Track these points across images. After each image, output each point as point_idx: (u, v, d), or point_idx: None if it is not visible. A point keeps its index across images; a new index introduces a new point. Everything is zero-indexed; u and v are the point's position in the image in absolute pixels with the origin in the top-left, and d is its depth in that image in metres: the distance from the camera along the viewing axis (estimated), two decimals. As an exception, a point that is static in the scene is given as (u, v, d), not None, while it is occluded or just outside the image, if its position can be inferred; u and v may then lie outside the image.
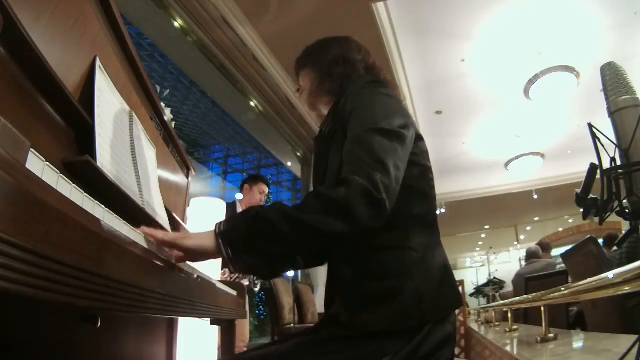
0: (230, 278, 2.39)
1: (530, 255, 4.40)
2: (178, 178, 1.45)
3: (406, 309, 0.75)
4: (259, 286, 2.78)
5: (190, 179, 1.60)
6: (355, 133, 0.79)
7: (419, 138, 0.89)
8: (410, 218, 0.83)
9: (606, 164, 0.84)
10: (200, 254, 0.71)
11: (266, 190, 3.05)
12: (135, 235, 0.55)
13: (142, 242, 0.57)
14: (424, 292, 0.76)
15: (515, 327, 2.76)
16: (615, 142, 0.84)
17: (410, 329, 0.74)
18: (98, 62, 0.79)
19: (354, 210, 0.68)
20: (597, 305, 2.24)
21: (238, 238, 0.69)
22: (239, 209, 2.89)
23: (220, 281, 1.25)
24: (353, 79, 0.96)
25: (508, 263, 11.76)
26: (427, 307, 0.76)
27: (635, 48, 4.87)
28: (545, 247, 4.79)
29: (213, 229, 0.72)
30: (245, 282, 2.38)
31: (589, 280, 1.10)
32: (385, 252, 0.80)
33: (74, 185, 0.43)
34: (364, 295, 0.78)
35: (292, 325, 3.85)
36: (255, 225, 0.69)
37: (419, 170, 0.87)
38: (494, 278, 9.88)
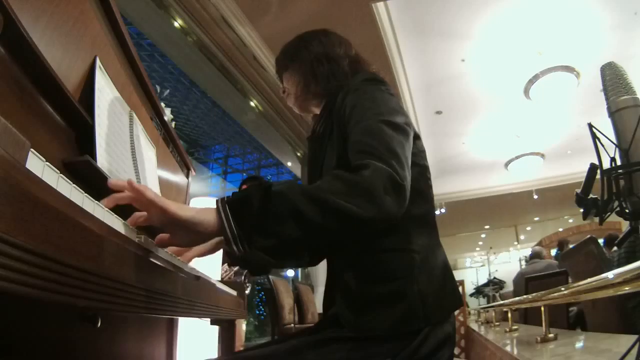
0: (229, 277, 2.39)
1: (533, 256, 4.40)
2: (178, 178, 1.45)
3: (411, 311, 0.74)
4: (249, 287, 2.73)
5: (190, 179, 1.60)
6: (362, 124, 0.77)
7: (416, 137, 0.88)
8: (411, 219, 0.82)
9: (606, 164, 0.84)
10: (195, 230, 0.59)
11: None
12: (135, 235, 0.55)
13: (143, 242, 0.57)
14: (427, 294, 0.76)
15: (515, 327, 2.76)
16: (615, 142, 0.84)
17: (413, 331, 0.74)
18: (98, 62, 0.79)
19: (380, 194, 0.63)
20: (597, 305, 2.24)
21: (249, 213, 0.59)
22: None
23: (220, 281, 1.25)
24: (339, 77, 0.93)
25: (508, 263, 11.77)
26: (430, 309, 0.75)
27: (635, 48, 4.87)
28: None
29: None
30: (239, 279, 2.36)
31: (589, 280, 1.10)
32: (388, 254, 0.79)
33: (74, 185, 0.43)
34: (367, 297, 0.78)
35: (292, 325, 3.85)
36: (271, 199, 0.60)
37: (418, 170, 0.86)
38: (494, 278, 9.90)
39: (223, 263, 1.99)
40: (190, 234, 0.59)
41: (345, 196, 0.62)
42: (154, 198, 0.57)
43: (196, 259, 0.90)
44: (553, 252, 9.80)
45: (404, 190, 0.67)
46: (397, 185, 0.66)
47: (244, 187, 0.67)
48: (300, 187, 0.63)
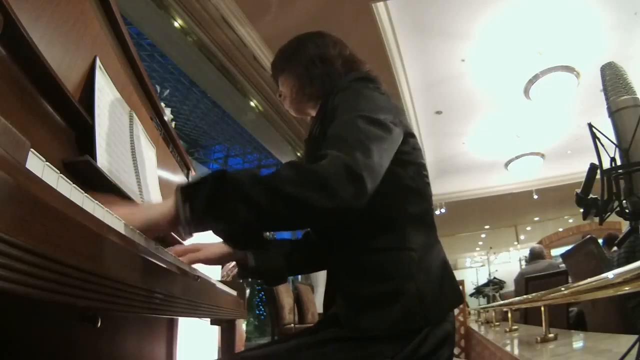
0: (229, 277, 2.38)
1: (535, 255, 4.38)
2: (178, 178, 1.45)
3: (409, 310, 0.74)
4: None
5: (190, 179, 1.60)
6: (339, 119, 0.77)
7: (410, 135, 0.87)
8: (408, 218, 0.82)
9: (606, 164, 0.84)
10: (155, 225, 0.63)
11: None
12: (135, 235, 0.55)
13: (143, 242, 0.57)
14: (425, 293, 0.76)
15: (515, 327, 2.76)
16: (615, 142, 0.84)
17: (412, 330, 0.74)
18: (98, 62, 0.79)
19: (332, 183, 0.63)
20: (597, 305, 2.24)
21: (201, 198, 0.61)
22: None
23: (220, 281, 1.25)
24: (333, 78, 0.93)
25: (508, 263, 11.76)
26: (429, 307, 0.75)
27: (635, 48, 4.87)
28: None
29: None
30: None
31: (589, 280, 1.10)
32: (385, 253, 0.80)
33: (74, 185, 0.43)
34: (365, 297, 0.78)
35: (292, 325, 3.85)
36: (222, 184, 0.62)
37: (414, 169, 0.86)
38: (494, 278, 9.90)
39: (223, 266, 1.99)
40: (155, 232, 0.64)
41: (295, 184, 0.62)
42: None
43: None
44: (553, 252, 9.82)
45: (362, 179, 0.65)
46: (354, 174, 0.65)
47: None
48: (254, 174, 0.63)
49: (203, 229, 0.63)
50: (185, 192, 0.62)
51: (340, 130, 0.73)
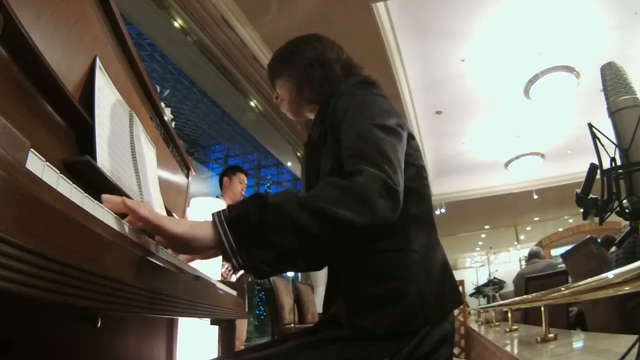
0: (229, 275, 2.39)
1: (532, 256, 4.39)
2: (178, 178, 1.45)
3: (409, 311, 0.74)
4: (236, 275, 2.67)
5: (190, 179, 1.60)
6: (353, 128, 0.77)
7: (410, 137, 0.88)
8: (409, 219, 0.82)
9: (606, 164, 0.84)
10: (192, 245, 0.60)
11: (245, 180, 2.96)
12: (135, 235, 0.55)
13: (143, 243, 0.57)
14: (426, 293, 0.76)
15: (515, 327, 2.77)
16: (615, 142, 0.84)
17: (412, 329, 0.74)
18: (98, 62, 0.79)
19: (375, 200, 0.64)
20: (597, 305, 2.24)
21: (247, 227, 0.60)
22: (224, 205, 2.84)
23: (221, 281, 1.25)
24: (332, 81, 0.93)
25: (508, 263, 11.77)
26: (429, 308, 0.75)
27: (635, 48, 4.87)
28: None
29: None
30: (234, 278, 2.35)
31: (589, 280, 1.10)
32: (386, 254, 0.80)
33: (74, 185, 0.43)
34: (366, 297, 0.78)
35: (292, 325, 3.85)
36: (268, 213, 0.60)
37: (414, 170, 0.86)
38: (494, 278, 9.91)
39: (223, 260, 1.99)
40: (187, 248, 0.61)
41: (340, 203, 0.63)
42: (147, 215, 0.57)
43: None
44: (553, 252, 9.82)
45: (398, 195, 0.68)
46: (391, 190, 0.67)
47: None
48: (296, 197, 0.63)
49: (250, 260, 0.60)
50: (229, 222, 0.60)
51: (360, 141, 0.74)
